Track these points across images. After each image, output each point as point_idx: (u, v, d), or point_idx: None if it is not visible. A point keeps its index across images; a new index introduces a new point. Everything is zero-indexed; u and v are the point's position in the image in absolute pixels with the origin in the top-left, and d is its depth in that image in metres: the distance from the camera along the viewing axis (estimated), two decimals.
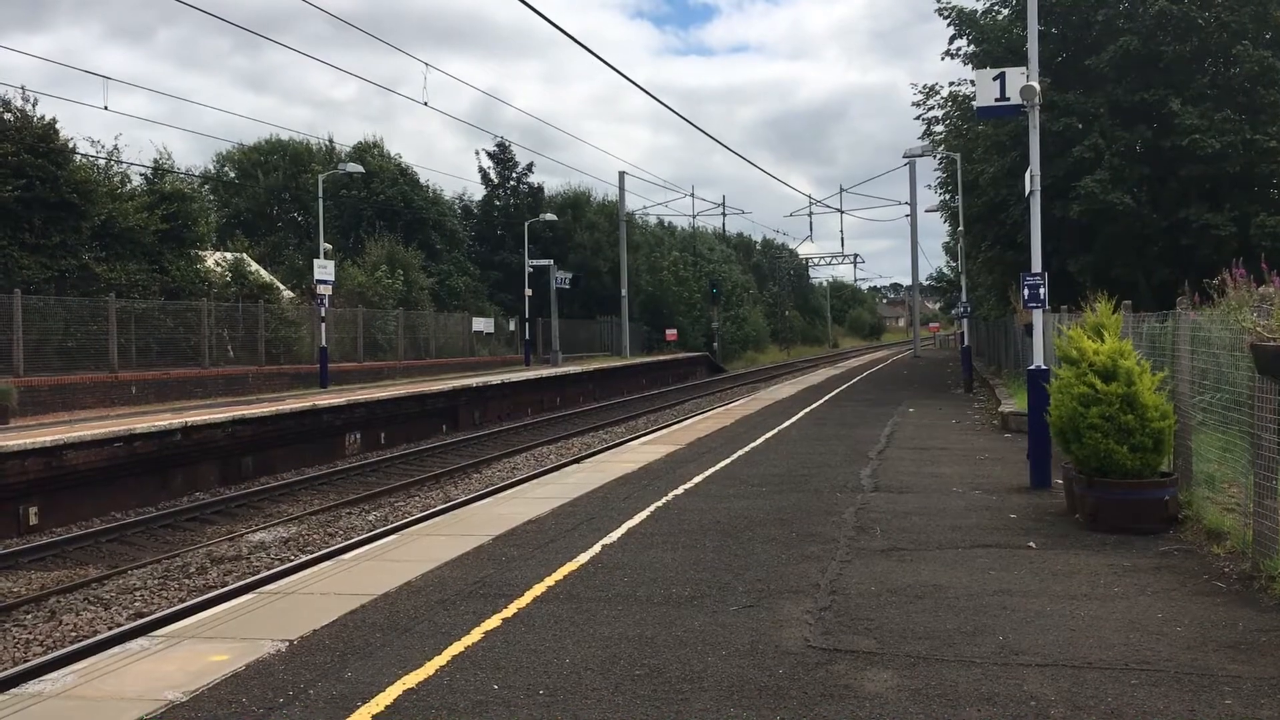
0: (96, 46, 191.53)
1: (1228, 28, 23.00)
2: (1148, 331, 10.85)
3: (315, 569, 8.81)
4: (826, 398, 26.87)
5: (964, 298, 34.29)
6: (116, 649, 6.54)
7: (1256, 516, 7.07)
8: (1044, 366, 11.63)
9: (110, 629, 9.90)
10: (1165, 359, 9.81)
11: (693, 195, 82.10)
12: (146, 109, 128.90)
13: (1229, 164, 22.71)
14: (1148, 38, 23.47)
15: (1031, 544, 8.60)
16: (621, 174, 54.73)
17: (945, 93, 30.12)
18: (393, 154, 50.71)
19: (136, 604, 11.00)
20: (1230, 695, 4.98)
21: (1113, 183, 23.06)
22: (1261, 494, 6.98)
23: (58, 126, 27.17)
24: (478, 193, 57.84)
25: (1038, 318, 12.16)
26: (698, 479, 12.82)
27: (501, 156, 56.31)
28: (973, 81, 14.60)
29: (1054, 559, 8.02)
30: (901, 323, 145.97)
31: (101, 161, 30.30)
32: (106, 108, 41.89)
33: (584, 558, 8.43)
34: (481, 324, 45.99)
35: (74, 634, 9.96)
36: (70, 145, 27.87)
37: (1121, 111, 24.27)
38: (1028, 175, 11.83)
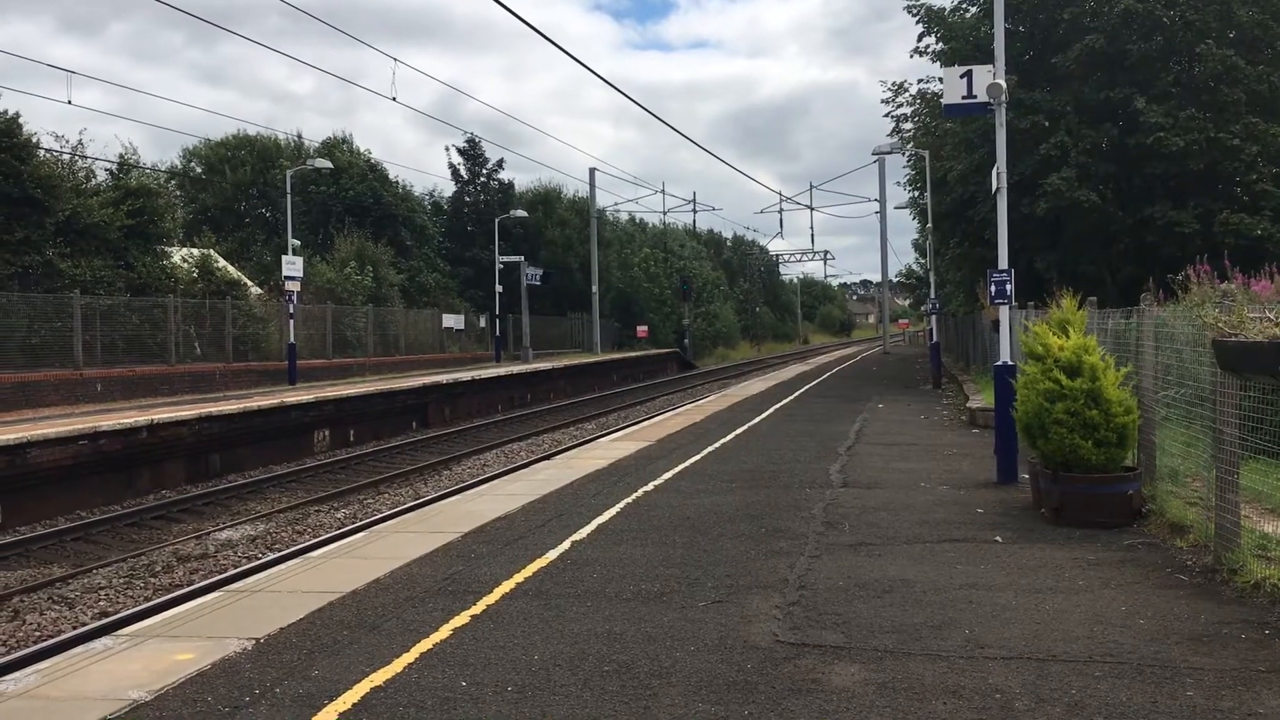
0: (49, 39, 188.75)
1: (1192, 26, 23.26)
2: (1112, 328, 10.95)
3: (283, 567, 8.75)
4: (796, 394, 26.96)
5: (933, 294, 34.46)
6: (80, 649, 6.47)
7: (1219, 510, 7.16)
8: (1010, 363, 11.71)
9: (75, 628, 9.79)
10: (1130, 355, 9.89)
11: (663, 192, 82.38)
12: (103, 102, 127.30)
13: (1193, 162, 22.99)
14: (1113, 36, 23.72)
15: (998, 538, 8.67)
16: (592, 170, 54.82)
17: (914, 90, 30.41)
18: (361, 150, 50.49)
19: (101, 603, 10.89)
20: (1192, 687, 5.05)
21: (1079, 180, 23.30)
22: (1224, 488, 7.07)
23: (21, 121, 26.82)
24: (445, 188, 57.66)
25: (1004, 314, 12.24)
26: (668, 475, 12.83)
27: (472, 153, 56.09)
28: (941, 79, 14.69)
29: (1020, 553, 8.09)
30: (871, 319, 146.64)
31: (65, 157, 29.92)
32: (70, 102, 41.26)
33: (553, 554, 8.42)
34: (452, 320, 45.79)
35: (38, 634, 9.84)
36: (34, 140, 27.51)
37: (1088, 109, 24.50)
38: (995, 172, 11.91)
